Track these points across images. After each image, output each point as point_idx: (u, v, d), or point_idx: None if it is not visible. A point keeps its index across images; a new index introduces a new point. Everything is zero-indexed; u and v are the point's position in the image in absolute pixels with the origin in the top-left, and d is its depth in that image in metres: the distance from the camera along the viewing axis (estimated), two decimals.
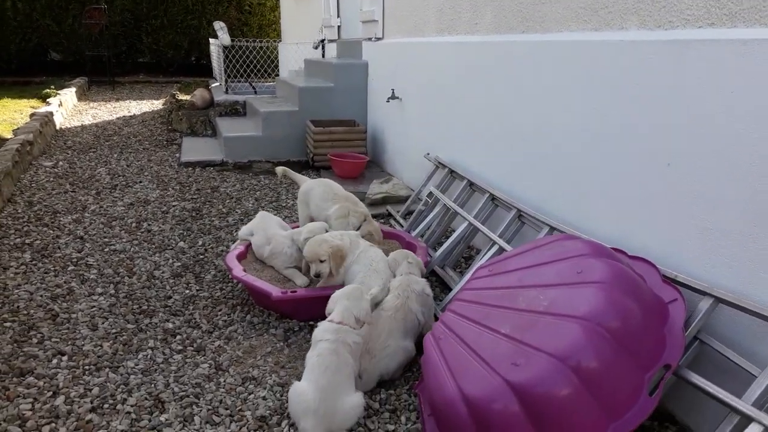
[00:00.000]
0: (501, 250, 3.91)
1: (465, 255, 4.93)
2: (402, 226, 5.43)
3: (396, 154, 7.10)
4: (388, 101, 6.79)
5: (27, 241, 5.06)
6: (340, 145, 7.32)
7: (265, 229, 4.46)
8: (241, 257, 4.30)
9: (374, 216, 5.81)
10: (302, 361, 3.41)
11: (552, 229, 3.75)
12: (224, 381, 3.34)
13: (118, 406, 3.10)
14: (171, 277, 4.55)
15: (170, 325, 3.89)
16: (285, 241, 4.27)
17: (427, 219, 4.79)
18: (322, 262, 3.74)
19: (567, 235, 3.05)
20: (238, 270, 3.98)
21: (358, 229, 4.35)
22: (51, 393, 3.18)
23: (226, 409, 3.12)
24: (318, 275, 3.78)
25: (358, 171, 7.06)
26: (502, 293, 2.95)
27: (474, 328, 2.86)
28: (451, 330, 2.95)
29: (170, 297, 4.25)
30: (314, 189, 4.66)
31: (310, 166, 7.57)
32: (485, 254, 4.14)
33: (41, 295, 4.18)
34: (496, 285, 3.02)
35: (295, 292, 3.69)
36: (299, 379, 3.27)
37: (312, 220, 4.73)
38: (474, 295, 3.07)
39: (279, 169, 5.26)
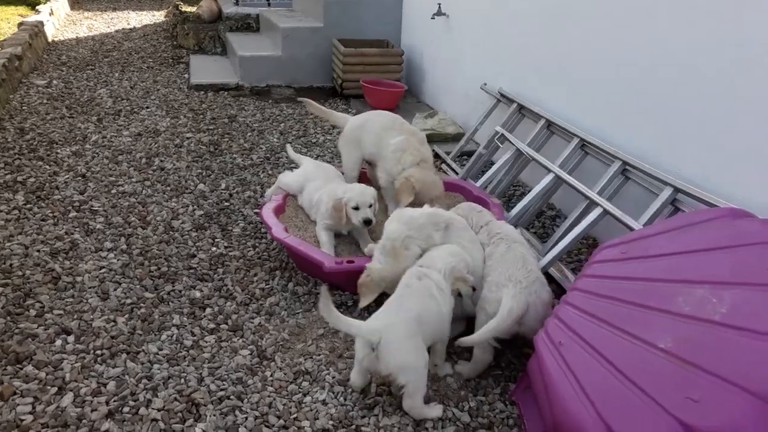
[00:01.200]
0: (604, 213, 3.17)
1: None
2: (456, 173, 4.64)
3: (439, 83, 6.21)
4: (433, 18, 5.83)
5: (19, 179, 4.29)
6: (372, 70, 6.41)
7: (327, 179, 3.72)
8: (279, 211, 3.55)
9: None
10: None
11: (675, 190, 2.99)
12: (271, 375, 2.68)
13: (141, 410, 2.45)
14: (193, 229, 3.81)
15: (197, 294, 3.20)
16: (329, 193, 3.48)
17: (496, 166, 4.00)
18: (370, 207, 3.32)
19: (733, 210, 2.31)
20: (278, 230, 3.25)
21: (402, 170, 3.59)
22: (56, 389, 2.52)
23: (278, 416, 2.47)
24: (369, 222, 3.32)
25: (395, 102, 6.20)
26: (647, 287, 2.23)
27: (612, 335, 2.16)
28: (577, 333, 2.25)
29: (194, 256, 3.54)
30: (371, 120, 3.82)
31: (338, 94, 6.69)
32: (574, 219, 3.39)
33: (38, 250, 3.46)
34: (637, 274, 2.29)
35: (352, 261, 2.98)
36: None
37: (366, 164, 3.96)
38: (603, 285, 2.35)
39: (313, 104, 4.38)
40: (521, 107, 4.40)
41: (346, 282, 3.16)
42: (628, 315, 2.18)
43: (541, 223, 4.11)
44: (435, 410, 2.49)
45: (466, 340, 2.59)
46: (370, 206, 3.32)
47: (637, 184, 3.32)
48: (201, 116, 5.75)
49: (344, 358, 2.81)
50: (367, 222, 3.29)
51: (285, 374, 2.68)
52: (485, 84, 5.01)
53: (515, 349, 2.93)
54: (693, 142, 3.09)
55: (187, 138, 5.19)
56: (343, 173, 3.96)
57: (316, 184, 3.63)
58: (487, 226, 3.04)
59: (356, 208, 3.29)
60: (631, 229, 3.00)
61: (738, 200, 2.78)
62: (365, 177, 4.01)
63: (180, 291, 3.22)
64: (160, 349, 2.80)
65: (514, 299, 2.58)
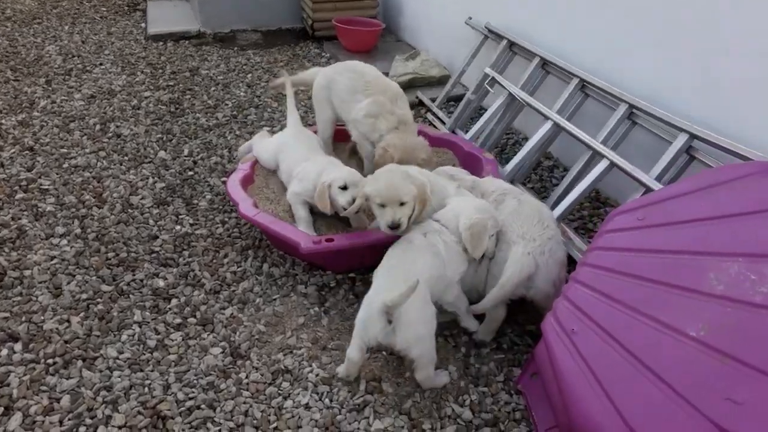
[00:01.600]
0: (611, 166, 2.82)
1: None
2: (443, 122, 4.24)
3: (420, 18, 5.68)
4: None
5: None
6: (345, 7, 5.88)
7: (307, 150, 3.25)
8: (247, 182, 3.17)
9: None
10: (349, 337, 2.47)
11: (691, 136, 2.63)
12: (246, 377, 2.38)
13: (100, 429, 2.15)
14: (154, 205, 3.43)
15: (161, 283, 2.86)
16: (315, 169, 3.00)
17: (487, 115, 3.61)
18: (402, 205, 2.48)
19: (766, 164, 1.96)
20: (247, 206, 2.87)
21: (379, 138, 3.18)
22: (1, 410, 2.21)
23: (256, 426, 2.19)
24: (396, 226, 2.46)
25: (372, 42, 5.70)
26: (671, 261, 1.91)
27: (632, 320, 1.86)
28: (591, 319, 1.95)
29: (156, 237, 3.18)
30: (336, 79, 3.39)
31: (309, 36, 6.15)
32: (577, 172, 3.04)
33: None
34: (658, 246, 1.97)
35: (332, 240, 2.63)
36: None
37: (334, 127, 3.54)
38: (619, 260, 2.03)
39: (278, 82, 3.86)
40: (512, 44, 3.96)
41: (328, 261, 2.83)
42: (650, 296, 1.87)
43: (539, 176, 3.75)
44: (443, 377, 2.35)
45: (476, 308, 2.43)
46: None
47: (647, 130, 2.96)
48: (160, 71, 5.24)
49: (328, 351, 2.50)
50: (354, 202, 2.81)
51: (262, 375, 2.38)
52: (470, 18, 4.53)
53: (517, 327, 2.64)
54: (710, 80, 2.71)
55: (146, 97, 4.71)
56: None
57: (298, 154, 3.19)
58: (477, 187, 2.71)
59: (344, 188, 2.80)
60: (641, 183, 2.66)
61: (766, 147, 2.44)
62: (344, 133, 3.58)
63: (141, 280, 2.87)
64: (121, 353, 2.48)
65: (518, 263, 2.31)
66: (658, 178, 2.67)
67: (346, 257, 2.75)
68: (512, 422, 2.21)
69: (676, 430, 1.60)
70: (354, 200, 2.70)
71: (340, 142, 3.65)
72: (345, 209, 2.74)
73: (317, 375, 2.38)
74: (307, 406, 2.25)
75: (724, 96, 2.65)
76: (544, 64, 3.62)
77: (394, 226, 2.41)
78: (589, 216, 3.34)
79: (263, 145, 3.40)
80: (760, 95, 2.50)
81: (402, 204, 2.44)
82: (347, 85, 3.31)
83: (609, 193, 3.50)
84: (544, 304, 2.36)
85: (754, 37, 2.49)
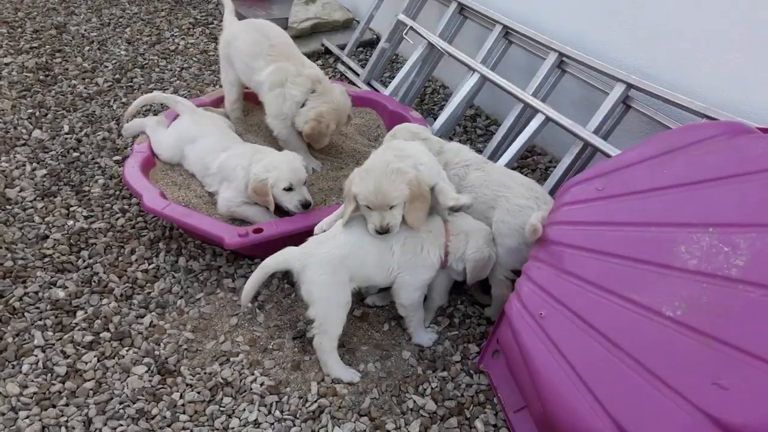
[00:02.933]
0: (546, 121, 2.69)
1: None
2: (356, 74, 3.93)
3: None
4: None
5: None
6: None
7: (219, 136, 2.84)
8: (147, 166, 2.76)
9: (307, 58, 4.22)
10: (292, 332, 2.27)
11: (628, 86, 2.54)
12: (181, 397, 2.10)
13: None
14: (37, 197, 2.94)
15: (61, 294, 2.46)
16: (241, 164, 2.63)
17: (407, 68, 3.35)
18: (391, 208, 2.14)
19: (729, 125, 1.87)
20: (153, 196, 2.50)
21: (302, 105, 2.83)
22: None
23: None
24: (386, 230, 2.12)
25: None
26: (637, 235, 1.82)
27: (603, 301, 1.77)
28: (559, 301, 1.84)
29: (46, 237, 2.73)
30: (238, 38, 2.98)
31: None
32: (509, 127, 2.90)
33: None
34: (622, 218, 1.87)
35: (261, 231, 2.34)
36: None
37: (241, 88, 3.15)
38: (581, 235, 1.91)
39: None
40: None
41: (254, 250, 2.54)
42: (619, 273, 1.78)
43: (463, 128, 3.58)
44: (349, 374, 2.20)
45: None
46: (305, 183, 2.57)
47: (577, 78, 2.83)
48: (19, 30, 4.48)
49: (270, 353, 2.27)
50: (306, 205, 2.53)
51: (199, 392, 2.11)
52: None
53: (465, 297, 2.52)
54: (645, 27, 2.61)
55: (6, 64, 4.01)
56: None
57: (208, 143, 2.78)
58: (443, 152, 2.48)
59: (289, 189, 2.51)
60: (580, 138, 2.56)
61: (706, 96, 2.39)
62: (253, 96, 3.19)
63: (36, 293, 2.46)
64: (24, 387, 2.11)
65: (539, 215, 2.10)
66: (596, 131, 2.57)
67: (277, 244, 2.47)
68: (477, 407, 2.10)
69: (661, 418, 1.53)
70: (304, 201, 2.51)
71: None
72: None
73: (262, 384, 2.14)
74: (256, 423, 2.02)
75: (659, 43, 2.55)
76: (462, 9, 3.38)
77: (383, 232, 2.14)
78: (519, 167, 3.24)
79: (161, 139, 2.91)
80: (695, 42, 2.42)
81: (392, 207, 2.13)
82: (249, 46, 2.92)
83: (535, 141, 3.40)
84: None
85: None
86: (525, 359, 1.84)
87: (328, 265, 2.10)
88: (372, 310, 2.47)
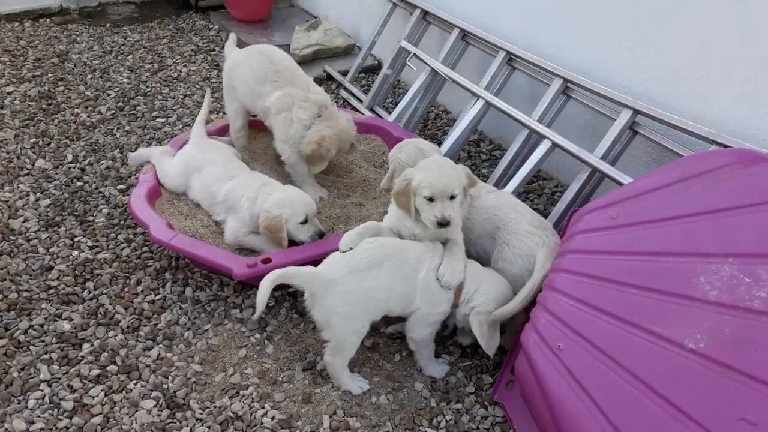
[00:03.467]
0: (553, 147, 2.69)
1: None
2: (359, 99, 3.94)
3: None
4: None
5: None
6: None
7: (225, 164, 2.82)
8: (153, 196, 2.74)
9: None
10: (301, 363, 2.24)
11: (635, 112, 2.55)
12: (191, 431, 2.06)
13: None
14: (41, 228, 2.92)
15: (66, 326, 2.43)
16: (247, 195, 2.62)
17: (410, 94, 3.36)
18: (451, 199, 2.14)
19: (743, 153, 1.87)
20: (159, 227, 2.48)
21: (308, 129, 2.82)
22: None
23: None
24: (446, 223, 2.11)
25: (265, 10, 5.22)
26: (654, 265, 1.80)
27: (624, 333, 1.74)
28: (578, 333, 1.81)
29: (51, 268, 2.70)
30: (242, 65, 2.99)
31: (192, 7, 5.54)
32: (516, 152, 2.89)
33: None
34: (638, 247, 1.86)
35: (269, 261, 2.32)
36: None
37: (246, 116, 3.15)
38: (597, 264, 1.90)
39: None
40: (426, 13, 3.70)
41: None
42: (638, 304, 1.76)
43: (467, 153, 3.58)
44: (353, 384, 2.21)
45: (501, 312, 2.13)
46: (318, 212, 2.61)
47: (582, 104, 2.84)
48: (21, 59, 4.48)
49: (280, 385, 2.23)
50: (321, 235, 2.54)
51: (209, 428, 2.07)
52: None
53: None
54: (651, 51, 2.62)
55: (8, 93, 4.01)
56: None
57: (215, 171, 2.77)
58: None
59: (304, 222, 2.51)
60: (587, 164, 2.56)
61: (713, 121, 2.39)
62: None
63: (41, 326, 2.42)
64: (31, 423, 2.07)
65: (551, 252, 2.14)
66: (603, 157, 2.57)
67: None
68: None
69: None
70: (320, 232, 2.52)
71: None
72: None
73: (273, 418, 2.10)
74: None
75: (665, 69, 2.57)
76: (465, 35, 3.40)
77: (444, 223, 2.11)
78: (525, 192, 3.23)
79: (166, 168, 2.90)
80: (703, 66, 2.44)
81: (452, 198, 2.14)
82: (254, 70, 2.93)
83: (541, 166, 3.41)
84: None
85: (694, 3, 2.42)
86: (542, 391, 1.82)
87: (352, 296, 2.06)
88: (383, 340, 2.44)
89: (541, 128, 2.72)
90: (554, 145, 2.67)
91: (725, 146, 2.22)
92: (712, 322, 1.62)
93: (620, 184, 2.37)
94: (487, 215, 2.34)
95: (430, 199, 2.14)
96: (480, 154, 3.57)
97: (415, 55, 3.33)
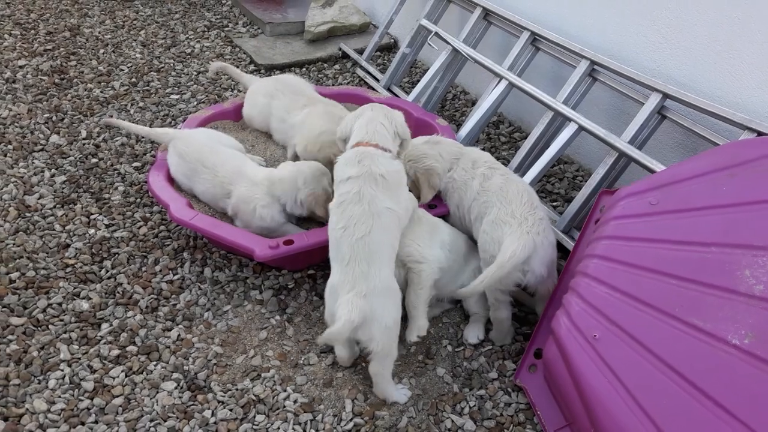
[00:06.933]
0: (579, 130, 2.64)
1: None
2: (376, 79, 3.88)
3: None
4: None
5: None
6: None
7: (222, 162, 2.64)
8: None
9: (324, 62, 4.18)
10: (321, 346, 2.22)
11: (664, 96, 2.48)
12: (213, 414, 2.05)
13: None
14: (57, 205, 2.89)
15: (85, 305, 2.41)
16: (257, 194, 2.51)
17: (430, 74, 3.30)
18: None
19: None
20: (180, 206, 2.44)
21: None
22: None
23: None
24: None
25: None
26: (696, 255, 1.75)
27: (663, 326, 1.70)
28: (614, 323, 1.77)
29: (67, 246, 2.67)
30: (273, 100, 3.00)
31: None
32: (539, 135, 2.84)
33: None
34: (679, 236, 1.81)
35: (291, 242, 2.28)
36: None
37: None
38: (634, 252, 1.85)
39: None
40: None
41: (283, 261, 2.48)
42: (678, 296, 1.72)
43: (486, 134, 3.53)
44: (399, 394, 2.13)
45: (463, 291, 2.19)
46: None
47: (609, 87, 2.78)
48: (32, 32, 4.42)
49: (301, 368, 2.21)
50: None
51: (231, 410, 2.05)
52: None
53: None
54: (684, 33, 2.55)
55: (20, 67, 3.95)
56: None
57: (206, 171, 2.62)
58: (463, 157, 2.46)
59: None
60: (615, 149, 2.50)
61: (747, 107, 2.33)
62: None
63: (60, 305, 2.40)
64: (52, 403, 2.06)
65: (518, 240, 2.10)
66: (631, 141, 2.51)
67: (306, 255, 2.42)
68: (517, 427, 2.05)
69: None
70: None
71: None
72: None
73: (295, 401, 2.08)
74: None
75: (699, 51, 2.50)
76: (487, 14, 3.33)
77: None
78: (546, 177, 3.18)
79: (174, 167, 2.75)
80: (735, 50, 2.37)
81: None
82: (281, 103, 3.02)
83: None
84: (540, 289, 2.24)
85: None
86: (576, 381, 1.78)
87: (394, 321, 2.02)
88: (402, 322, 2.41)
89: (568, 111, 2.66)
90: (580, 128, 2.61)
91: (759, 132, 2.17)
92: (757, 319, 1.57)
93: (650, 170, 2.32)
94: (486, 199, 2.32)
95: None
96: (500, 136, 3.51)
97: (436, 33, 3.25)
